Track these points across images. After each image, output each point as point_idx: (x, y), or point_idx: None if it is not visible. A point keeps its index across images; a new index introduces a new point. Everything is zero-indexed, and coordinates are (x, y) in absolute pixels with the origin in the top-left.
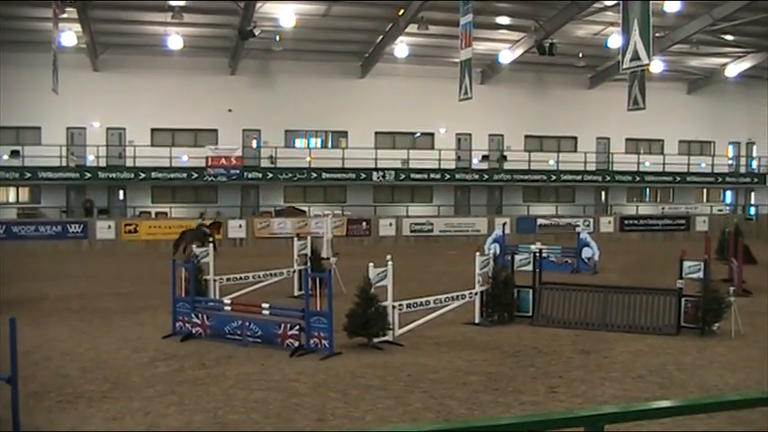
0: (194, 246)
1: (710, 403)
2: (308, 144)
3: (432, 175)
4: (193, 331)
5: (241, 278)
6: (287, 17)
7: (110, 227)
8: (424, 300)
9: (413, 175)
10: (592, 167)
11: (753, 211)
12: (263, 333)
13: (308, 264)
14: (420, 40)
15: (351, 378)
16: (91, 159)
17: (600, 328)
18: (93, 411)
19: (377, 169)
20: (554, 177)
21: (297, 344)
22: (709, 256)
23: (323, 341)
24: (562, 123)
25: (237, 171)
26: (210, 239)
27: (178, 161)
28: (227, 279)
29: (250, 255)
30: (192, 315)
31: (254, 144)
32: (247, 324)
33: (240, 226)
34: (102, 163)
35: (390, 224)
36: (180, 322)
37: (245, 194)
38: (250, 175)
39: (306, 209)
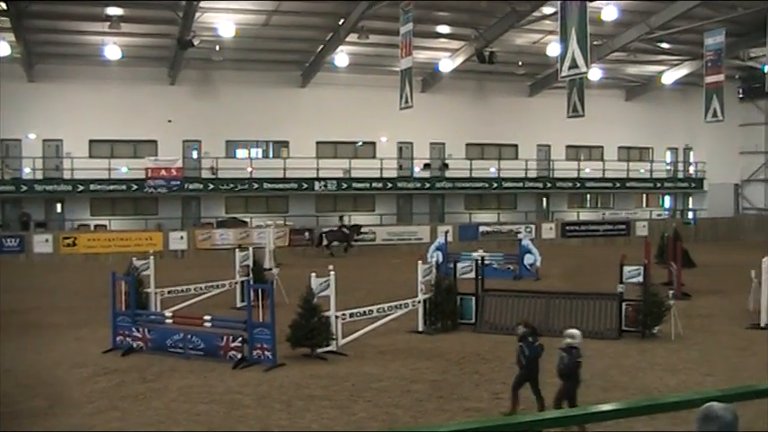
0: (334, 244)
1: (652, 405)
2: (250, 154)
3: (374, 184)
4: (134, 345)
5: (183, 290)
6: (226, 27)
7: (47, 240)
8: (367, 309)
9: (355, 185)
10: (533, 174)
11: (691, 215)
12: (206, 345)
13: (251, 275)
14: (361, 49)
15: (295, 389)
16: (27, 172)
17: (543, 334)
18: (34, 429)
19: (319, 179)
20: (495, 185)
21: (240, 356)
22: (649, 260)
23: (266, 352)
24: (503, 131)
25: (178, 182)
26: (350, 240)
27: (117, 173)
28: (169, 292)
29: (192, 266)
30: (133, 329)
31: (195, 155)
32: (189, 337)
33: (181, 238)
34: (39, 175)
35: None
36: (120, 336)
37: (185, 206)
38: (191, 187)
39: (248, 220)
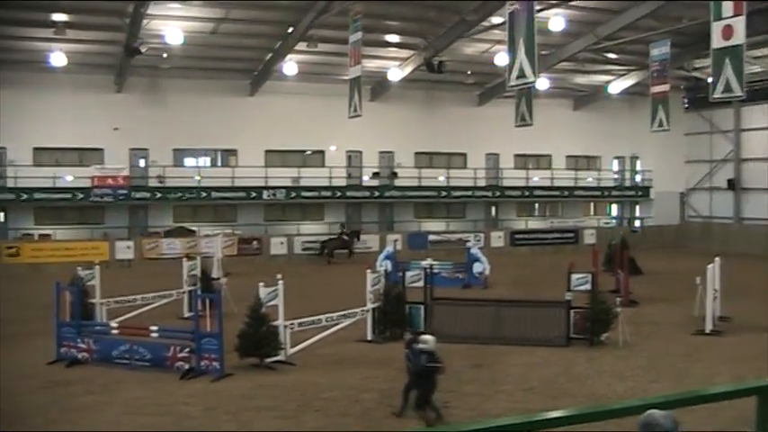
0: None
1: (596, 412)
2: (198, 163)
3: (323, 193)
4: (79, 356)
5: (129, 300)
6: (174, 34)
7: None
8: (315, 318)
9: (304, 193)
10: (482, 183)
11: (638, 223)
12: (153, 356)
13: (198, 284)
14: (310, 57)
15: (243, 400)
16: None
17: (492, 342)
18: None
19: (267, 188)
20: (444, 193)
21: (187, 366)
22: (597, 268)
23: (214, 363)
24: (452, 140)
25: (125, 191)
26: (351, 247)
27: (62, 181)
28: (115, 302)
29: (139, 276)
30: (78, 340)
31: (142, 163)
32: (135, 347)
33: (128, 247)
34: None
35: (282, 243)
36: (65, 347)
37: (132, 215)
38: (138, 195)
39: (196, 229)
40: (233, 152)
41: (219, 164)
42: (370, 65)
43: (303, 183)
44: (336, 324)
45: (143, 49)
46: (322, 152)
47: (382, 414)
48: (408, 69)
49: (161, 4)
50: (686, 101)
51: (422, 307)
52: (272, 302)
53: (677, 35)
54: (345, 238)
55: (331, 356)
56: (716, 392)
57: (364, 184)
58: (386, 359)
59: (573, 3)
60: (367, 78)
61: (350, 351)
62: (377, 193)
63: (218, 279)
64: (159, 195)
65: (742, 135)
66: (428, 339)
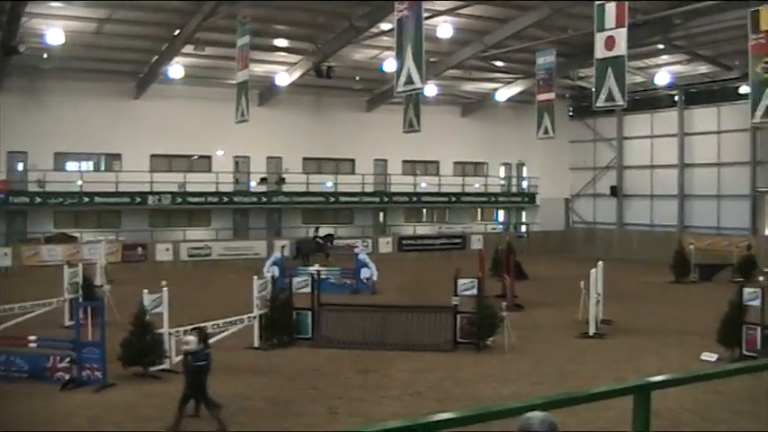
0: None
1: (481, 414)
2: (80, 167)
3: (209, 199)
4: None
5: (6, 309)
6: (55, 34)
7: None
8: (202, 326)
9: (190, 199)
10: (370, 189)
11: (524, 228)
12: (31, 367)
13: (80, 292)
14: (197, 61)
15: (127, 410)
16: None
17: (379, 348)
18: None
19: (152, 193)
20: (332, 199)
21: (68, 376)
22: (483, 273)
23: (96, 372)
24: (340, 146)
25: (2, 196)
26: (326, 250)
27: None
28: None
29: (18, 284)
30: None
31: (21, 167)
32: (12, 359)
33: (5, 254)
34: None
35: (167, 249)
36: None
37: (10, 220)
38: (16, 200)
39: (78, 235)
40: (117, 156)
41: (103, 168)
42: (259, 69)
43: (189, 188)
44: (223, 331)
45: (21, 49)
46: (209, 157)
47: (270, 422)
48: (297, 74)
49: (41, 3)
50: (571, 109)
51: (309, 313)
52: (156, 310)
53: (563, 45)
54: (319, 241)
55: (217, 364)
56: (594, 393)
57: (252, 189)
58: (273, 366)
59: (461, 11)
60: (255, 83)
61: (237, 358)
62: (264, 199)
63: (101, 286)
64: (39, 200)
65: (624, 143)
66: (189, 340)
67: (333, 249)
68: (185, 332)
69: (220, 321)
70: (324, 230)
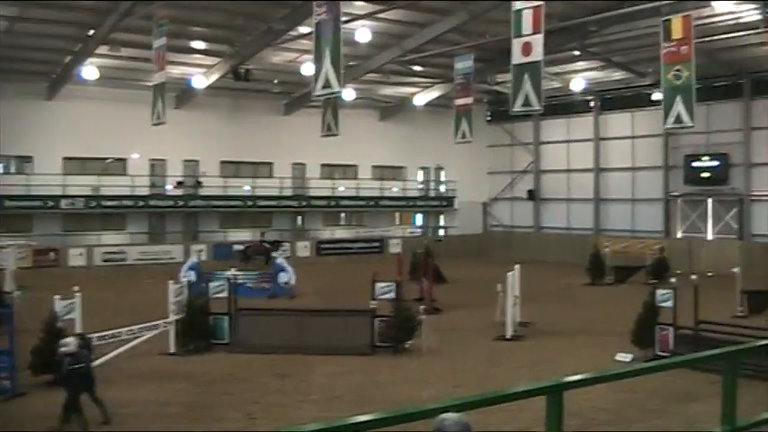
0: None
1: (398, 416)
2: None
3: (124, 202)
4: None
5: None
6: None
7: None
8: (116, 331)
9: (104, 203)
10: (288, 193)
11: (442, 232)
12: None
13: None
14: (112, 62)
15: (38, 420)
16: None
17: (297, 352)
18: None
19: (65, 196)
20: (250, 203)
21: None
22: (401, 276)
23: (4, 381)
24: (258, 149)
25: None
26: (271, 253)
27: None
28: None
29: None
30: None
31: None
32: None
33: None
34: None
35: (81, 254)
36: None
37: None
38: None
39: None
40: (28, 159)
41: (13, 171)
42: (176, 71)
43: (104, 192)
44: (138, 337)
45: None
46: (124, 160)
47: (186, 428)
48: (214, 77)
49: None
50: (489, 114)
51: (226, 318)
52: (68, 316)
53: (481, 50)
54: (266, 245)
55: (132, 371)
56: (508, 394)
57: (168, 193)
58: (189, 372)
59: (380, 15)
60: (172, 85)
61: (152, 364)
62: (181, 203)
63: (11, 293)
64: None
65: (541, 147)
66: (69, 342)
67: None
68: (98, 338)
69: (135, 327)
70: (270, 236)
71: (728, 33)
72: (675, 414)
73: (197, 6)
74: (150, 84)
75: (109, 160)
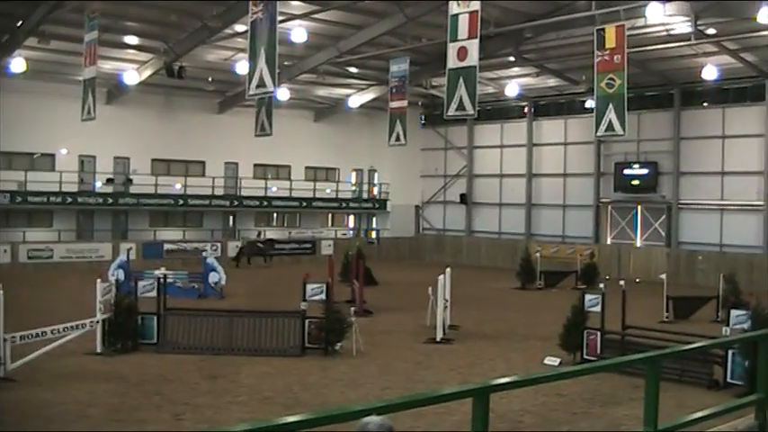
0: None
1: (322, 417)
2: None
3: (52, 199)
4: None
5: None
6: None
7: None
8: (40, 330)
9: (31, 198)
10: (220, 192)
11: (374, 234)
12: None
13: None
14: (41, 54)
15: None
16: None
17: (227, 353)
18: None
19: None
20: (182, 202)
21: None
22: (333, 278)
23: None
24: (191, 147)
25: None
26: (267, 254)
27: None
28: None
29: None
30: None
31: None
32: None
33: None
34: None
35: (5, 251)
36: None
37: None
38: None
39: None
40: None
41: None
42: (107, 66)
43: (30, 187)
44: (63, 336)
45: None
46: (52, 156)
47: (112, 429)
48: (147, 73)
49: None
50: (423, 117)
51: (155, 318)
52: None
53: (417, 53)
54: (260, 245)
55: (57, 371)
56: (434, 396)
57: (97, 190)
58: (116, 372)
59: (316, 15)
60: (103, 80)
61: (78, 364)
62: (110, 200)
63: None
64: None
65: (474, 152)
66: None
67: (275, 253)
68: (21, 338)
69: (60, 326)
70: (267, 235)
71: (660, 44)
72: (601, 417)
73: (130, 2)
74: (81, 78)
75: (36, 155)
